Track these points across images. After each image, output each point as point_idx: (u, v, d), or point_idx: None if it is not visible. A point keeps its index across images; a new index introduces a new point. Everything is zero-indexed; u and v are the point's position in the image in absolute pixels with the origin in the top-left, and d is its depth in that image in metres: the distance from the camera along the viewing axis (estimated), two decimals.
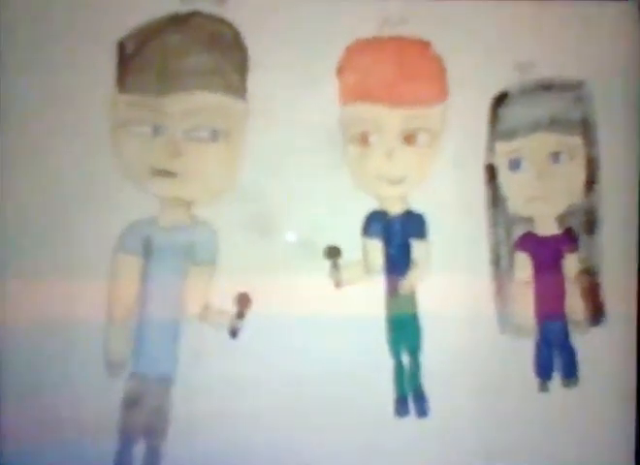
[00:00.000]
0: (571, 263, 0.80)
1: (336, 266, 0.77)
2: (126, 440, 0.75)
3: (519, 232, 0.80)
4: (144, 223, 0.77)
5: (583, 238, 0.80)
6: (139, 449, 0.75)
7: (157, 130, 0.76)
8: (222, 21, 0.77)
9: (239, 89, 0.77)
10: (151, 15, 0.76)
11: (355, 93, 0.79)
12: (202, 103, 0.76)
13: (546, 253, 0.80)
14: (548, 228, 0.81)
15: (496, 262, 0.79)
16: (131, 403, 0.75)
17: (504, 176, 0.80)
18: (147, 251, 0.77)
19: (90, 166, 0.77)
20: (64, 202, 0.76)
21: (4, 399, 0.75)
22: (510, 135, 0.80)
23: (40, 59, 0.76)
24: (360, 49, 0.79)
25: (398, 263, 0.79)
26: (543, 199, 0.80)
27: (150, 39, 0.76)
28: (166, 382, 0.76)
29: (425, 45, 0.79)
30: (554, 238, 0.80)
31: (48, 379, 0.75)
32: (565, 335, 0.79)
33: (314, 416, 0.77)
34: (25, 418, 0.75)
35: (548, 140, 0.80)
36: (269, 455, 0.76)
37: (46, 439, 0.75)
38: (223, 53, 0.77)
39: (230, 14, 0.77)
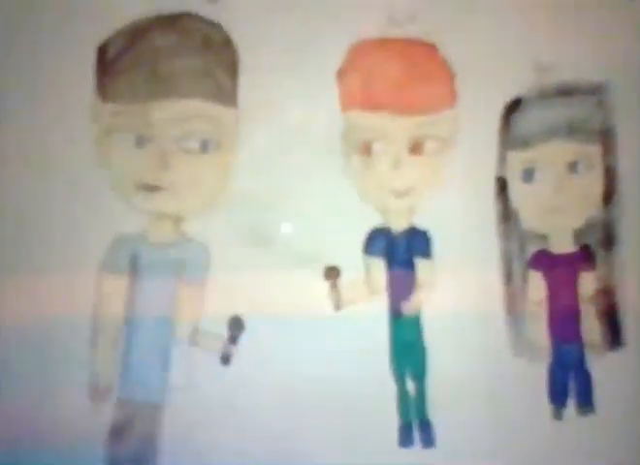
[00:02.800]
0: (587, 283, 0.75)
1: (335, 288, 0.72)
2: None
3: (532, 248, 0.75)
4: (131, 239, 0.72)
5: (600, 255, 0.75)
6: None
7: (143, 140, 0.71)
8: (212, 23, 0.72)
9: (230, 95, 0.72)
10: (136, 15, 0.71)
11: (357, 98, 0.73)
12: (191, 110, 0.71)
13: (561, 272, 0.75)
14: (563, 244, 0.75)
15: (507, 280, 0.74)
16: (118, 431, 0.71)
17: (517, 188, 0.75)
18: (134, 269, 0.72)
19: (75, 177, 0.72)
20: (46, 216, 0.72)
21: None
22: (524, 143, 0.74)
23: (23, 64, 0.72)
24: (362, 51, 0.73)
25: (401, 283, 0.74)
26: (559, 212, 0.75)
27: (135, 41, 0.71)
28: (155, 408, 0.71)
29: (433, 46, 0.74)
30: (569, 256, 0.75)
31: (28, 403, 0.70)
32: (581, 359, 0.74)
33: (312, 447, 0.72)
34: (7, 445, 0.71)
35: (564, 149, 0.74)
36: None
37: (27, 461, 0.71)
38: (214, 57, 0.72)
39: (220, 14, 0.71)
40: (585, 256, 0.75)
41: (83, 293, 0.71)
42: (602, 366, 0.75)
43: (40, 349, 0.71)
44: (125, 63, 0.71)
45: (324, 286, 0.73)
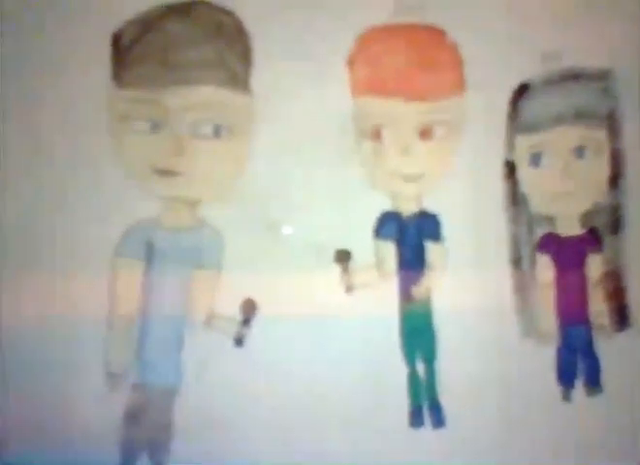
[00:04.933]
0: (595, 265, 0.76)
1: (346, 271, 0.73)
2: (128, 453, 0.71)
3: (540, 231, 0.76)
4: (147, 225, 0.73)
5: (607, 238, 0.76)
6: (142, 463, 0.71)
7: (158, 126, 0.72)
8: (225, 10, 0.72)
9: (243, 82, 0.73)
10: (150, 3, 0.72)
11: (367, 85, 0.74)
12: (204, 97, 0.72)
13: (569, 254, 0.76)
14: (571, 227, 0.76)
15: (516, 263, 0.75)
16: (133, 416, 0.71)
17: (525, 172, 0.76)
18: (150, 254, 0.73)
19: (90, 164, 0.73)
20: (63, 203, 0.73)
21: (4, 404, 0.72)
22: (532, 128, 0.75)
23: (36, 54, 0.72)
24: (372, 38, 0.74)
25: (412, 266, 0.75)
26: (566, 196, 0.76)
27: (149, 29, 0.71)
28: (170, 393, 0.72)
29: (441, 32, 0.74)
30: (577, 239, 0.76)
31: (45, 389, 0.71)
32: (589, 341, 0.75)
33: (325, 426, 0.73)
34: (24, 427, 0.72)
35: (572, 134, 0.75)
36: None
37: (45, 449, 0.71)
38: (226, 44, 0.72)
39: (233, 2, 0.72)
40: (592, 238, 0.76)
41: (99, 280, 0.72)
42: (610, 348, 0.75)
43: (56, 336, 0.71)
44: (139, 51, 0.71)
45: (335, 271, 0.74)
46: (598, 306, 0.76)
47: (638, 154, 0.76)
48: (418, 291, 0.74)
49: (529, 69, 0.75)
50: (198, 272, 0.73)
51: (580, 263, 0.76)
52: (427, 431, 0.74)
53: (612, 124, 0.76)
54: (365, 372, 0.73)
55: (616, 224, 0.76)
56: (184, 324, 0.72)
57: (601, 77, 0.76)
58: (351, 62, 0.74)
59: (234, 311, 0.73)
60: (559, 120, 0.75)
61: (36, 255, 0.72)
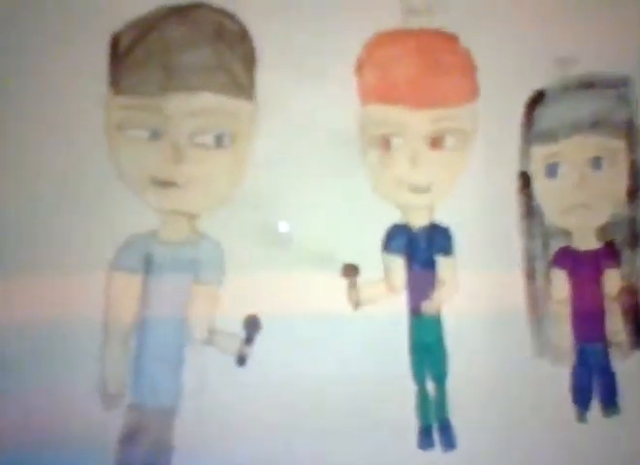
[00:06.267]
0: (612, 280, 0.73)
1: (353, 286, 0.70)
2: None
3: (555, 246, 0.73)
4: (144, 237, 0.70)
5: (625, 253, 0.73)
6: None
7: (157, 134, 0.69)
8: (227, 14, 0.69)
9: (246, 89, 0.70)
10: (149, 6, 0.69)
11: (375, 92, 0.71)
12: (206, 103, 0.69)
13: (585, 269, 0.73)
14: (587, 241, 0.74)
15: (530, 278, 0.72)
16: (130, 437, 0.68)
17: (540, 184, 0.73)
18: (147, 268, 0.70)
19: (84, 174, 0.70)
20: (56, 213, 0.69)
21: None
22: (547, 138, 0.72)
23: (28, 56, 0.70)
24: (381, 44, 0.71)
25: (422, 281, 0.72)
26: (583, 208, 0.73)
27: (148, 33, 0.68)
28: (168, 413, 0.69)
29: (453, 37, 0.72)
30: (593, 253, 0.73)
31: (38, 412, 0.68)
32: (605, 359, 0.73)
33: (330, 446, 0.70)
34: (15, 449, 0.69)
35: (588, 144, 0.72)
36: None
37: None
38: (228, 48, 0.69)
39: (236, 5, 0.69)
40: (610, 252, 0.73)
41: (95, 293, 0.69)
42: (627, 366, 0.73)
43: (50, 351, 0.68)
44: (137, 56, 0.68)
45: (341, 284, 0.71)
46: (615, 323, 0.73)
47: None
48: (428, 306, 0.72)
49: (545, 75, 0.72)
50: (197, 287, 0.70)
51: (596, 279, 0.73)
52: (437, 453, 0.71)
53: (630, 133, 0.73)
54: (373, 390, 0.70)
55: (634, 238, 0.73)
56: (183, 340, 0.70)
57: (619, 84, 0.73)
58: (359, 68, 0.71)
59: (235, 325, 0.70)
60: (575, 129, 0.72)
61: (29, 265, 0.69)
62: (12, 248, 0.69)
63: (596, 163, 0.73)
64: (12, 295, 0.69)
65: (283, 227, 0.71)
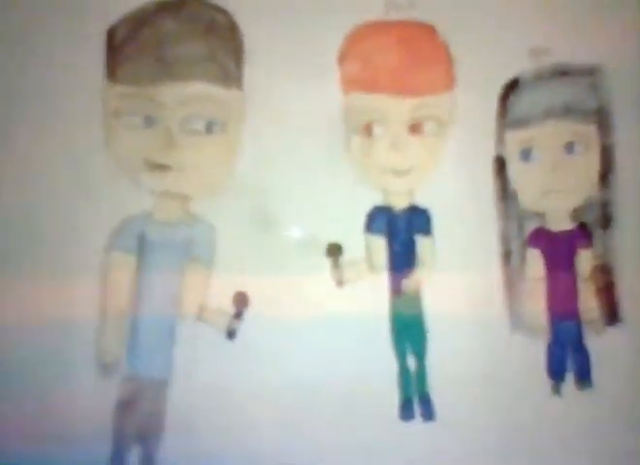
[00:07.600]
0: (585, 260, 0.76)
1: (337, 265, 0.74)
2: (120, 445, 0.71)
3: (530, 227, 0.76)
4: (139, 218, 0.74)
5: (598, 234, 0.76)
6: (133, 456, 0.72)
7: (151, 121, 0.73)
8: (217, 8, 0.73)
9: (235, 78, 0.74)
10: (143, 0, 0.73)
11: (358, 81, 0.75)
12: (197, 92, 0.73)
13: (559, 249, 0.76)
14: (561, 223, 0.77)
15: (506, 258, 0.75)
16: (125, 406, 0.72)
17: (515, 168, 0.76)
18: (142, 248, 0.73)
19: (81, 159, 0.73)
20: (54, 198, 0.73)
21: None
22: (521, 123, 0.76)
23: (25, 47, 0.73)
24: (362, 35, 0.75)
25: (402, 260, 0.75)
26: (556, 191, 0.76)
27: (142, 26, 0.73)
28: (161, 384, 0.72)
29: (432, 29, 0.75)
30: (567, 234, 0.77)
31: (38, 380, 0.72)
32: (579, 336, 0.76)
33: (315, 419, 0.73)
34: (16, 420, 0.72)
35: (561, 129, 0.76)
36: (269, 461, 0.73)
37: (37, 441, 0.72)
38: (218, 41, 0.73)
39: (226, 0, 0.73)
40: (582, 233, 0.76)
41: (91, 273, 0.73)
42: (600, 342, 0.76)
43: (48, 328, 0.72)
44: (132, 47, 0.72)
45: (326, 264, 0.75)
46: (588, 301, 0.76)
47: (628, 150, 0.76)
48: (408, 284, 0.75)
49: (519, 65, 0.76)
50: (190, 266, 0.74)
51: (570, 259, 0.76)
52: (417, 424, 0.74)
53: (602, 119, 0.76)
54: (355, 366, 0.73)
55: (606, 219, 0.76)
56: (176, 316, 0.73)
57: (590, 73, 0.76)
58: (342, 59, 0.75)
59: (225, 305, 0.73)
60: (548, 115, 0.75)
61: (27, 248, 0.73)
62: (9, 235, 0.73)
63: (569, 148, 0.76)
64: (11, 283, 0.73)
65: (295, 232, 0.75)
